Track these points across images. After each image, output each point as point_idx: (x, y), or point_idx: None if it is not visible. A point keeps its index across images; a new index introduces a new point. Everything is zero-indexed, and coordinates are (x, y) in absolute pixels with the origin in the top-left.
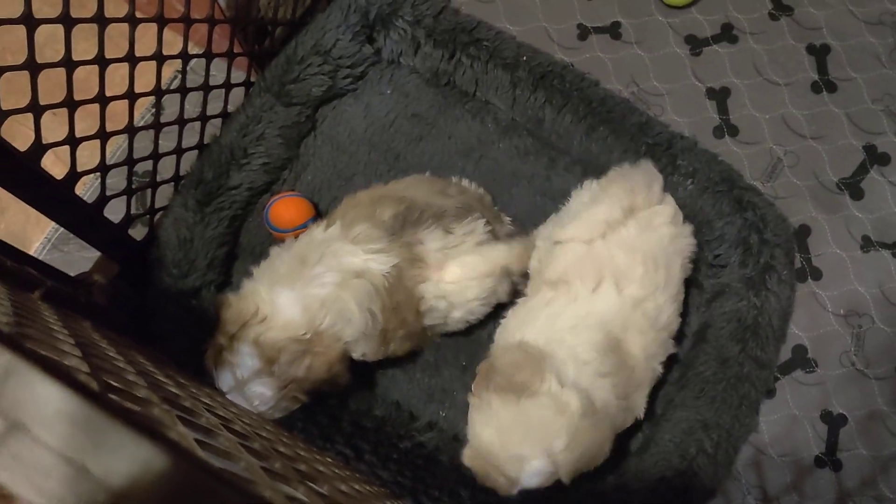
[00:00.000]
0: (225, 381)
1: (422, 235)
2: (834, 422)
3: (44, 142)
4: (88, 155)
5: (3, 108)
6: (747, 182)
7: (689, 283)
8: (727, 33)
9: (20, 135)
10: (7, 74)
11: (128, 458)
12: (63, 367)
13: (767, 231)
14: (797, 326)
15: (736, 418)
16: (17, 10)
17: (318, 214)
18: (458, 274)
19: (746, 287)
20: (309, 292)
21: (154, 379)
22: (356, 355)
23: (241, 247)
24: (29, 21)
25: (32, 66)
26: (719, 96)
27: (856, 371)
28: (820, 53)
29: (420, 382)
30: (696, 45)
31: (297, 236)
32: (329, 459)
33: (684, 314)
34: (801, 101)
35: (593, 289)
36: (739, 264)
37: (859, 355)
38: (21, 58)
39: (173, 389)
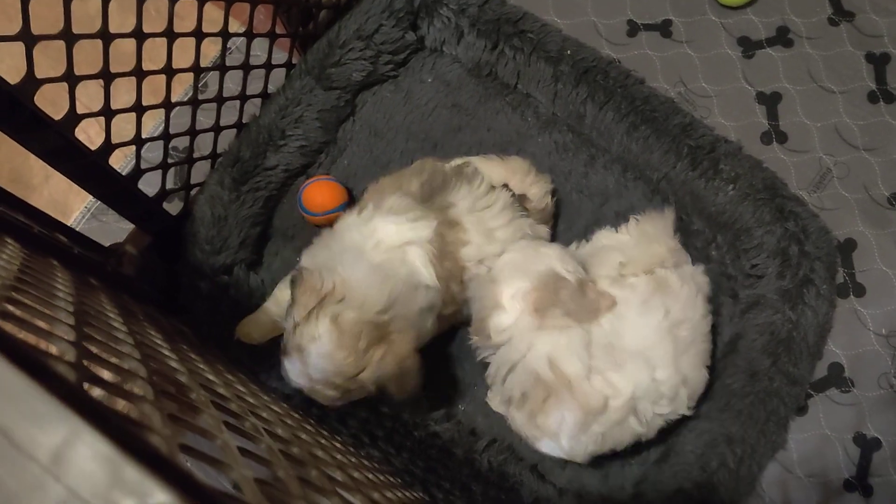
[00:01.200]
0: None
1: (451, 197)
2: (867, 445)
3: (87, 111)
4: (131, 128)
5: (40, 77)
6: (791, 191)
7: (723, 293)
8: (782, 37)
9: (66, 104)
10: (55, 44)
11: (58, 433)
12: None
13: (808, 243)
14: (835, 343)
15: (762, 434)
16: None
17: (352, 200)
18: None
19: (783, 300)
20: (374, 267)
21: (153, 352)
22: (424, 334)
23: (274, 228)
24: None
25: (68, 37)
26: (769, 101)
27: (894, 394)
28: (879, 62)
29: (442, 373)
30: (748, 47)
31: (328, 220)
32: (338, 444)
33: (716, 324)
34: (856, 110)
35: None
36: (777, 276)
37: None
38: (82, 28)
39: (173, 364)
